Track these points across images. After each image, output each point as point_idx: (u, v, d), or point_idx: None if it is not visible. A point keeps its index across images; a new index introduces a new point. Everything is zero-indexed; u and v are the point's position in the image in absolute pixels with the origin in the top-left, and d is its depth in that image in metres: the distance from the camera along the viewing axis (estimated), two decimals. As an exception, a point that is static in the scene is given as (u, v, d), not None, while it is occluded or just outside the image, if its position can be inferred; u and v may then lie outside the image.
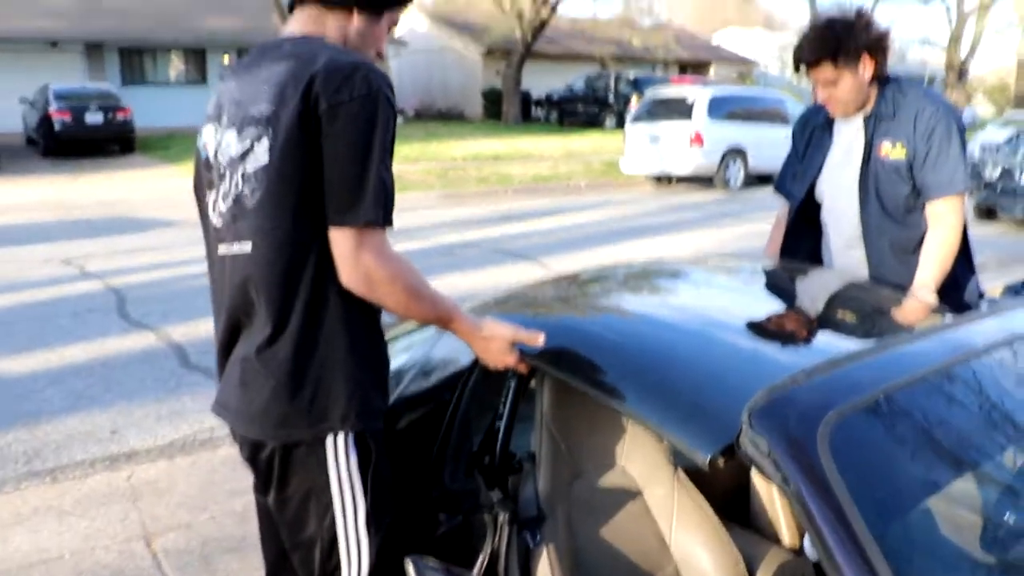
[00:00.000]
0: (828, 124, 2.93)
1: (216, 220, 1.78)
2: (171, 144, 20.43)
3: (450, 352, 2.20)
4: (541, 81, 30.86)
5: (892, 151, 2.72)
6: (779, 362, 1.74)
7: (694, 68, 36.16)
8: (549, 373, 1.86)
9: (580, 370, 1.78)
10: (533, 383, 1.99)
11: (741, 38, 45.68)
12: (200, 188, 1.85)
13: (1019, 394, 1.62)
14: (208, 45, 26.99)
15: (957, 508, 1.37)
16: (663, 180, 16.33)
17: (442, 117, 30.37)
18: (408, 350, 2.43)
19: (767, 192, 15.36)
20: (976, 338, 1.66)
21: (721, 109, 15.47)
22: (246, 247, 1.68)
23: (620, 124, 25.03)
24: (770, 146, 15.96)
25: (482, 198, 14.32)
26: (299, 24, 1.80)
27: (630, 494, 2.03)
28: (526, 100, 30.11)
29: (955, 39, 34.80)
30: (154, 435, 4.51)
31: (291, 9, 1.84)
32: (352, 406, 1.70)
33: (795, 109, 17.52)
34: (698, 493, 2.06)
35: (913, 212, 2.76)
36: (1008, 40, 34.31)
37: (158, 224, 11.27)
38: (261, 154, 1.66)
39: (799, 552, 2.09)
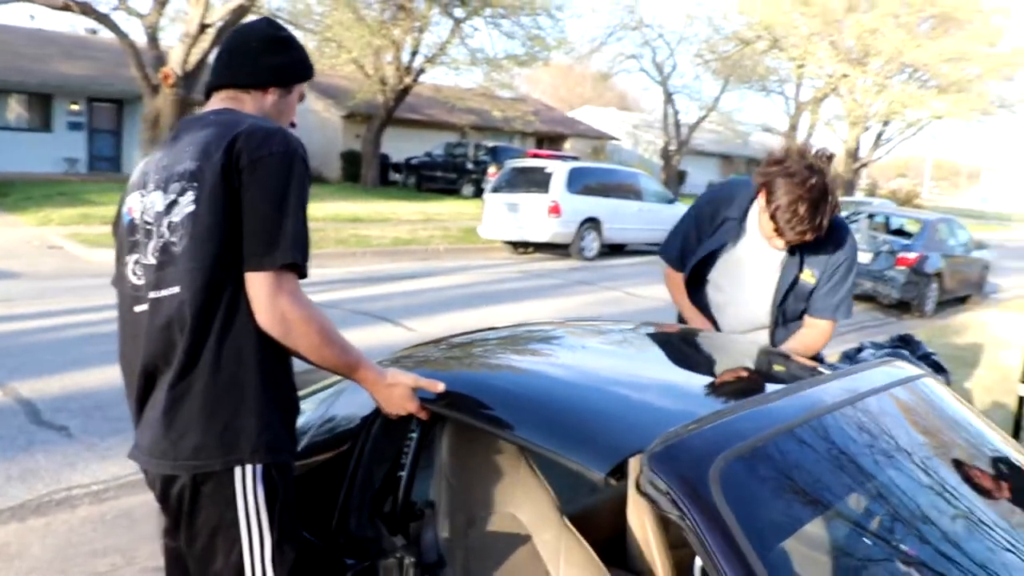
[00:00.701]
0: (740, 219, 3.03)
1: (135, 279, 1.86)
2: (10, 192, 19.42)
3: (353, 405, 2.28)
4: (401, 146, 31.17)
5: (805, 276, 2.96)
6: (659, 407, 1.93)
7: (551, 141, 37.31)
8: (451, 417, 1.98)
9: (480, 412, 1.91)
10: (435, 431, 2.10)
11: (596, 115, 47.52)
12: (120, 255, 1.94)
13: (863, 441, 1.86)
14: (56, 91, 25.90)
15: (824, 534, 1.57)
16: (520, 247, 16.75)
17: (300, 177, 30.10)
18: (313, 406, 2.49)
19: (620, 262, 16.04)
20: (829, 396, 1.90)
21: (579, 181, 16.07)
22: (174, 290, 1.77)
23: (478, 192, 25.52)
24: (624, 218, 16.75)
25: (341, 260, 14.28)
26: (219, 103, 1.97)
27: (521, 539, 2.16)
28: (385, 164, 30.30)
29: (792, 127, 37.72)
30: (3, 496, 4.29)
31: (208, 95, 2.01)
32: (261, 440, 1.79)
33: (648, 184, 18.44)
34: (582, 538, 2.20)
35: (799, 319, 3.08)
36: (838, 131, 37.32)
37: (-2, 275, 10.70)
38: (186, 204, 1.77)
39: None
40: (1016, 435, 4.16)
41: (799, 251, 2.89)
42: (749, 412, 1.64)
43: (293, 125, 2.05)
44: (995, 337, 10.10)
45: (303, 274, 1.80)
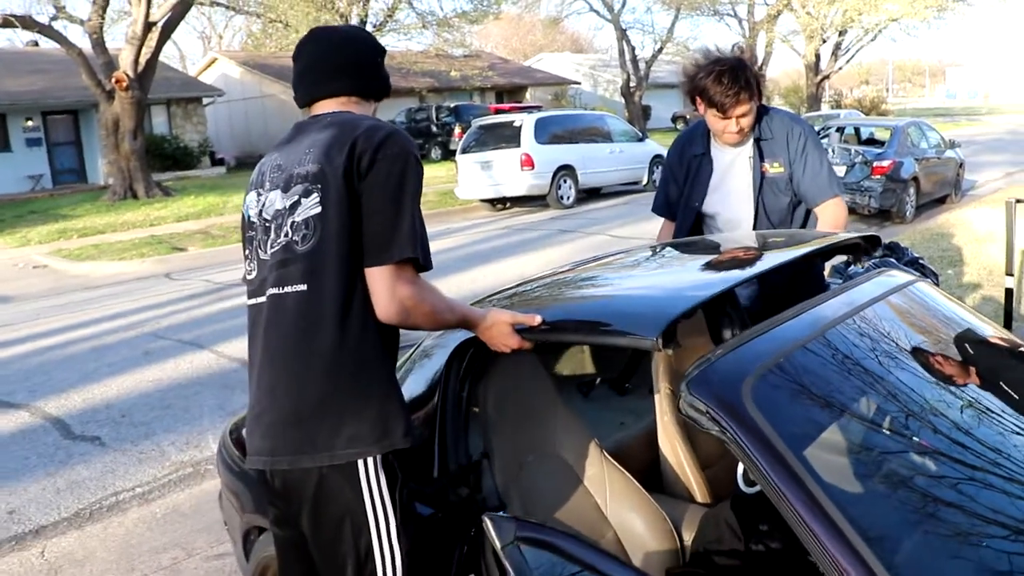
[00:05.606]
0: (705, 152, 3.31)
1: (249, 273, 2.04)
2: (-19, 216, 19.36)
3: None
4: (363, 118, 30.96)
5: (772, 168, 3.19)
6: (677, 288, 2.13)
7: (510, 93, 37.24)
8: (546, 340, 2.20)
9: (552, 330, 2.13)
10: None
11: (552, 62, 47.31)
12: (244, 247, 2.11)
13: (867, 347, 2.06)
14: (8, 109, 25.61)
15: (846, 432, 1.79)
16: (498, 203, 16.89)
17: (266, 162, 29.94)
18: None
19: (599, 205, 16.21)
20: (833, 311, 2.09)
21: (546, 131, 16.21)
22: (299, 287, 1.91)
23: (446, 154, 25.53)
24: (597, 162, 16.88)
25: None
26: (333, 106, 2.09)
27: (569, 477, 2.38)
28: (350, 138, 30.15)
29: (749, 47, 37.61)
30: (56, 508, 4.49)
31: (306, 104, 2.14)
32: (400, 425, 1.93)
33: (615, 124, 18.55)
34: (623, 469, 2.42)
35: (790, 216, 3.26)
36: (795, 45, 37.31)
37: (-9, 301, 10.77)
38: (311, 205, 1.91)
39: (710, 506, 2.48)
40: (1008, 325, 4.40)
41: (756, 148, 3.19)
42: (768, 334, 1.85)
43: None
44: (977, 233, 10.31)
45: (426, 266, 1.96)
